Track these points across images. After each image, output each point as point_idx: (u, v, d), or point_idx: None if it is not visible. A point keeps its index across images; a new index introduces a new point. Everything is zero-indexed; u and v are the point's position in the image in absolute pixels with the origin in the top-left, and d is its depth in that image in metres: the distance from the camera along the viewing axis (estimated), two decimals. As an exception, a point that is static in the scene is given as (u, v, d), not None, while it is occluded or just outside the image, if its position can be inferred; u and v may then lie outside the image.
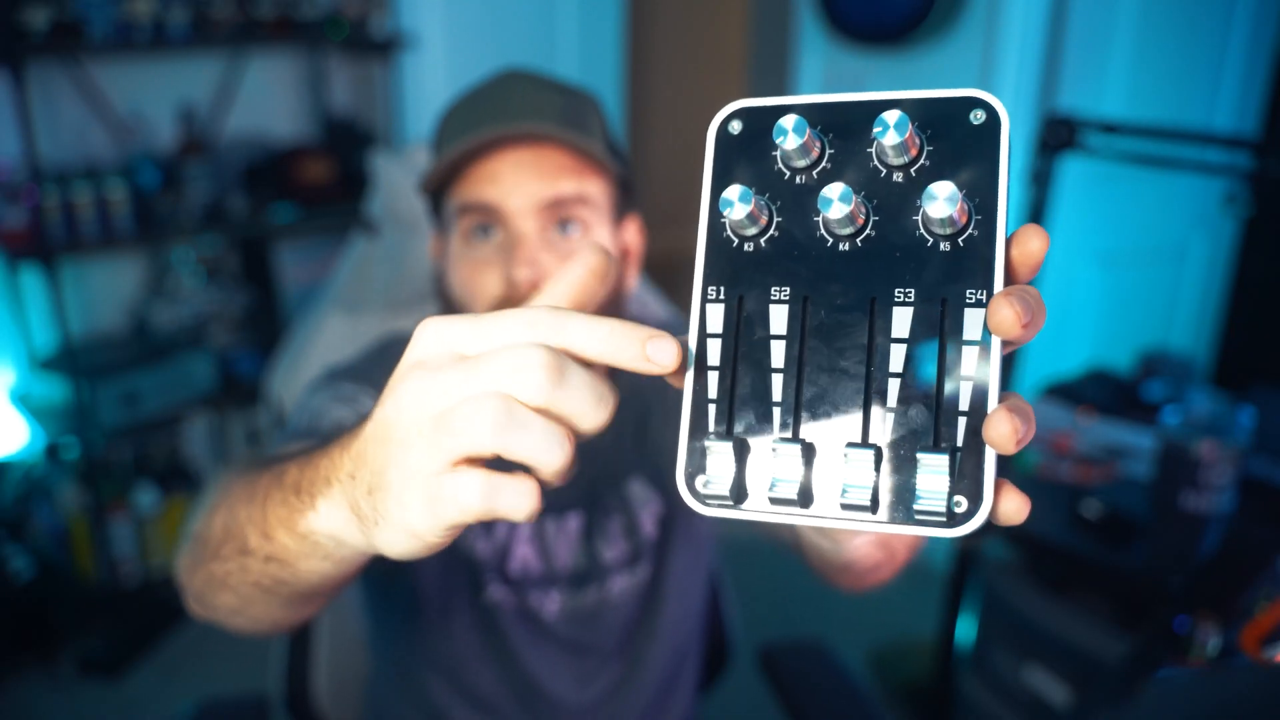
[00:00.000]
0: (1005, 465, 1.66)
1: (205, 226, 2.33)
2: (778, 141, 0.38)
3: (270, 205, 2.41)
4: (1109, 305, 2.63)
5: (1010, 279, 0.36)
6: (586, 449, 0.97)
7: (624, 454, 0.99)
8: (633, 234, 0.97)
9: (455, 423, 0.37)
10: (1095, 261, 2.55)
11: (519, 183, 0.86)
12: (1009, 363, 1.59)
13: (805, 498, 0.36)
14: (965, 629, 1.73)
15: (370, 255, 1.36)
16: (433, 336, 0.39)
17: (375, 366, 0.94)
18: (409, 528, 0.39)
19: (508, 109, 0.88)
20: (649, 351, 0.37)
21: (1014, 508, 0.35)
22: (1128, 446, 1.63)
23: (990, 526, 0.36)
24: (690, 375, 0.38)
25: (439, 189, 0.92)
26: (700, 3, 3.59)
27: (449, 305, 0.94)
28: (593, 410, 0.38)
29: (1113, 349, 2.53)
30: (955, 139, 0.37)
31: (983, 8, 2.29)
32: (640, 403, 1.00)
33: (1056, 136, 1.45)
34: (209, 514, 0.60)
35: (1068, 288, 2.49)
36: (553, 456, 0.37)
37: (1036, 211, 1.50)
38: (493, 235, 0.89)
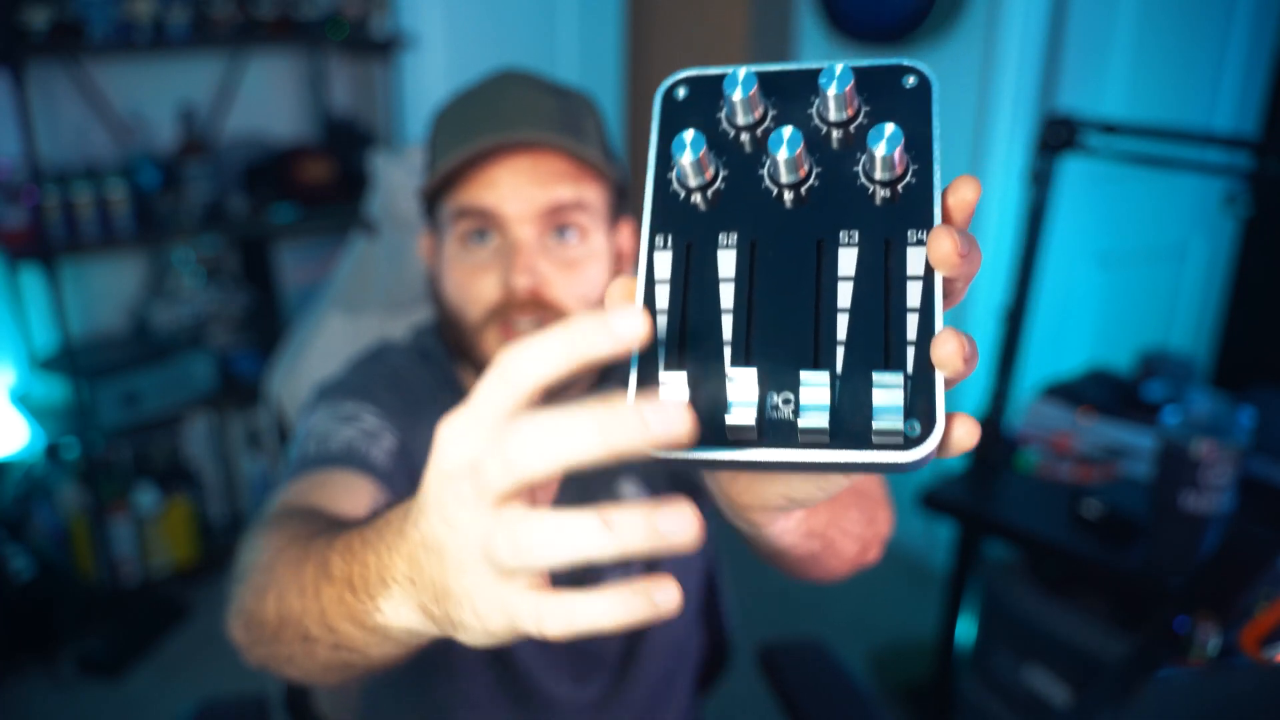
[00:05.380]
0: (987, 475, 1.67)
1: (205, 226, 2.33)
2: (728, 93, 0.39)
3: (270, 205, 2.41)
4: (1109, 305, 2.63)
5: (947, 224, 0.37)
6: None
7: None
8: (626, 236, 0.97)
9: (501, 548, 0.35)
10: (1095, 261, 2.55)
11: (517, 189, 0.86)
12: (1008, 367, 1.59)
13: (761, 427, 0.35)
14: (965, 629, 1.73)
15: (370, 255, 1.36)
16: (449, 439, 0.36)
17: (370, 380, 0.94)
18: (491, 634, 0.39)
19: (504, 114, 0.88)
20: (614, 326, 0.33)
21: (964, 432, 0.34)
22: (1128, 446, 1.63)
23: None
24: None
25: (435, 190, 0.92)
26: (700, 4, 3.58)
27: (442, 308, 0.94)
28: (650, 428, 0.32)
29: (1113, 349, 2.53)
30: (889, 100, 0.39)
31: (983, 8, 2.29)
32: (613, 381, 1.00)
33: (1056, 136, 1.45)
34: (256, 595, 0.58)
35: (1068, 288, 2.48)
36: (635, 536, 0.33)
37: (1036, 211, 1.50)
38: (489, 240, 0.89)
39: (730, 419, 0.35)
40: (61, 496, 2.27)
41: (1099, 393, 1.77)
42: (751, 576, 2.05)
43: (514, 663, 0.97)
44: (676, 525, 0.32)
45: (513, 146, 0.86)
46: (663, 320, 0.37)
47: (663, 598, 0.34)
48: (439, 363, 0.99)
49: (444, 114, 0.94)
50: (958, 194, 0.37)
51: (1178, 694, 0.73)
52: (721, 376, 0.36)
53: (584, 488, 0.97)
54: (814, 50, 2.64)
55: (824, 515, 0.57)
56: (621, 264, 0.97)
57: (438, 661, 0.97)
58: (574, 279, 0.89)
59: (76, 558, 2.29)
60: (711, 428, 0.35)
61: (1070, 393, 1.77)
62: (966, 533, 1.63)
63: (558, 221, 0.88)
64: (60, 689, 2.12)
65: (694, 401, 0.35)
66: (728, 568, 1.23)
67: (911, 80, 0.39)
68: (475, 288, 0.89)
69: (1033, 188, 1.50)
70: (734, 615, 1.25)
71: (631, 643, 1.01)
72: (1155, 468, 1.39)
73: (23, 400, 2.26)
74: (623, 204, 0.96)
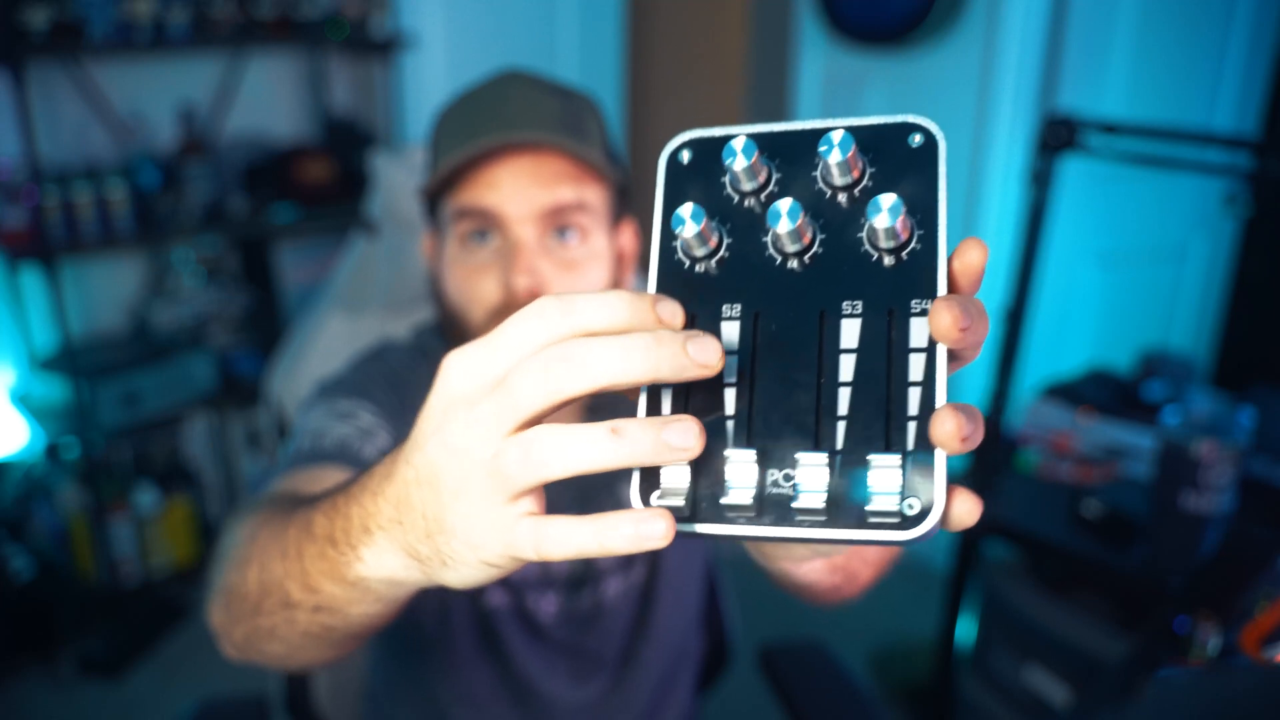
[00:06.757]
0: (986, 475, 1.68)
1: (205, 226, 2.33)
2: (727, 163, 0.39)
3: (270, 205, 2.41)
4: (1109, 305, 2.63)
5: (954, 290, 0.37)
6: None
7: None
8: (628, 237, 0.97)
9: (512, 463, 0.36)
10: (1095, 261, 2.55)
11: (518, 189, 0.86)
12: (1008, 368, 1.59)
13: (759, 505, 0.35)
14: (965, 629, 1.73)
15: (370, 255, 1.36)
16: (458, 369, 0.38)
17: (369, 379, 0.94)
18: (485, 563, 0.39)
19: (506, 114, 0.88)
20: (692, 352, 0.34)
21: (966, 509, 0.35)
22: (1128, 446, 1.63)
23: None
24: (643, 392, 0.39)
25: (437, 190, 0.92)
26: (700, 4, 3.58)
27: (444, 308, 0.94)
28: (645, 354, 0.34)
29: (1113, 349, 2.53)
30: (895, 161, 0.38)
31: (983, 8, 2.29)
32: (629, 404, 1.00)
33: (1056, 136, 1.45)
34: (238, 568, 0.59)
35: (1068, 288, 2.49)
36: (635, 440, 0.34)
37: (1036, 211, 1.50)
38: (490, 241, 0.89)
39: (727, 499, 0.35)
40: (61, 496, 2.27)
41: (1099, 393, 1.77)
42: (752, 578, 2.05)
43: (513, 662, 0.97)
44: (682, 438, 0.33)
45: (514, 147, 0.86)
46: (667, 393, 0.38)
47: (656, 528, 0.35)
48: (440, 362, 0.98)
49: (446, 114, 0.94)
50: (964, 258, 0.37)
51: (1178, 694, 0.73)
52: (722, 454, 0.36)
53: (584, 490, 0.97)
54: (814, 50, 2.64)
55: (846, 552, 0.57)
56: (622, 265, 0.97)
57: (437, 660, 0.97)
58: (574, 280, 0.89)
59: (76, 558, 2.29)
60: (711, 503, 0.36)
61: (1070, 393, 1.77)
62: (967, 533, 1.63)
63: (559, 222, 0.88)
64: (60, 689, 2.12)
65: (694, 477, 0.36)
66: (728, 569, 1.23)
67: (918, 139, 0.39)
68: (476, 288, 0.89)
69: (1033, 188, 1.50)
70: (734, 616, 1.25)
71: (631, 643, 1.01)
72: (1155, 468, 1.39)
73: (23, 400, 2.26)
74: (624, 205, 0.96)
